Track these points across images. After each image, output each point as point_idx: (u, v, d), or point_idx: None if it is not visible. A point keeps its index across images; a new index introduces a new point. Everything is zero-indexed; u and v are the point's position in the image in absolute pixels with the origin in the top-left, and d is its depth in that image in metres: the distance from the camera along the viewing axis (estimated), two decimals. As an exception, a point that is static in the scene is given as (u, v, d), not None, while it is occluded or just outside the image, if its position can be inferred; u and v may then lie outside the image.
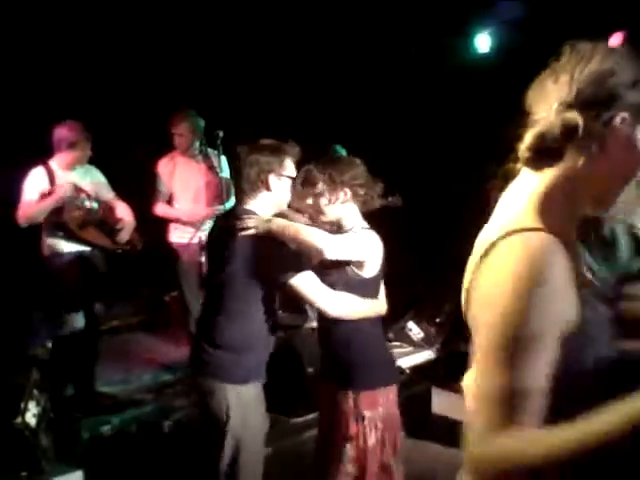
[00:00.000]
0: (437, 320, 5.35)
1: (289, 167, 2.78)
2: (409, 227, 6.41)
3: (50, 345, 4.76)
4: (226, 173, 4.85)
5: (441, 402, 4.46)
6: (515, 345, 1.15)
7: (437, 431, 4.19)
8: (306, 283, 2.63)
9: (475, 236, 1.36)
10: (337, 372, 2.80)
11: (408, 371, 4.74)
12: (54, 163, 4.40)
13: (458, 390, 1.43)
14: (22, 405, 3.48)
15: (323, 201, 2.73)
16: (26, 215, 4.22)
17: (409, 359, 5.03)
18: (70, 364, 4.45)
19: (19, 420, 3.42)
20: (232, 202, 4.86)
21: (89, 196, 4.47)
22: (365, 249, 2.72)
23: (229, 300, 2.68)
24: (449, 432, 4.11)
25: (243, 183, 2.72)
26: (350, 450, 2.72)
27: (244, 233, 2.60)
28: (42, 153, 4.43)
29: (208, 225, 4.92)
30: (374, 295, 2.83)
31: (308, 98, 6.77)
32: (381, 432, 2.72)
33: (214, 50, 6.25)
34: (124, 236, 4.64)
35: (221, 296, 2.69)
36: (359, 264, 2.72)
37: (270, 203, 2.76)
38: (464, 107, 6.36)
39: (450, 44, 6.72)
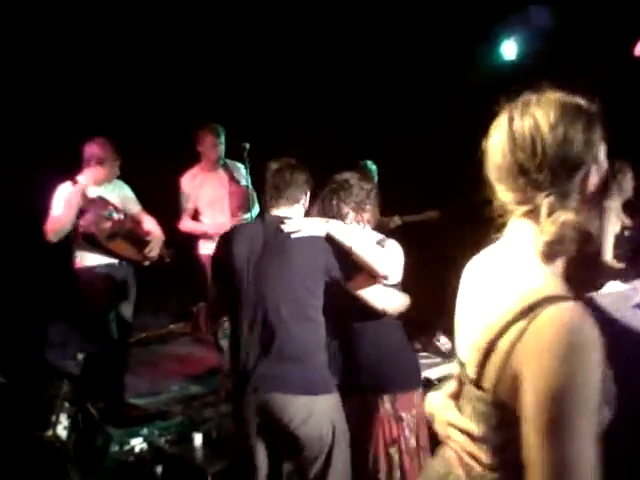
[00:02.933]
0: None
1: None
2: (443, 240, 6.37)
3: (80, 357, 4.81)
4: (248, 182, 4.86)
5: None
6: (579, 418, 1.14)
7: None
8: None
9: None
10: (367, 379, 2.75)
11: (437, 382, 4.59)
12: (82, 178, 4.43)
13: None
14: (53, 418, 3.51)
15: (355, 226, 2.78)
16: (54, 229, 4.26)
17: (437, 370, 4.91)
18: (100, 376, 4.49)
19: (50, 433, 3.46)
20: (256, 210, 4.82)
21: (116, 208, 4.51)
22: (401, 255, 2.75)
23: (300, 307, 2.60)
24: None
25: (287, 192, 2.79)
26: (395, 454, 2.70)
27: (299, 234, 2.61)
28: (71, 168, 4.47)
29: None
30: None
31: (336, 109, 6.76)
32: (416, 434, 2.72)
33: (238, 62, 6.29)
34: (155, 251, 4.66)
35: (288, 303, 2.59)
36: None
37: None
38: (490, 115, 6.28)
39: (476, 51, 6.68)
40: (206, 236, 5.06)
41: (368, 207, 2.81)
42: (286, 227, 2.61)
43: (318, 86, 6.70)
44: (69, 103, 5.44)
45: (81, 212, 4.33)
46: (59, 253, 4.49)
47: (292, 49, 6.42)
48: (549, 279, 1.27)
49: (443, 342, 5.28)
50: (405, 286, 2.88)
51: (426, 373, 4.78)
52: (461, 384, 1.42)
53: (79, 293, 4.48)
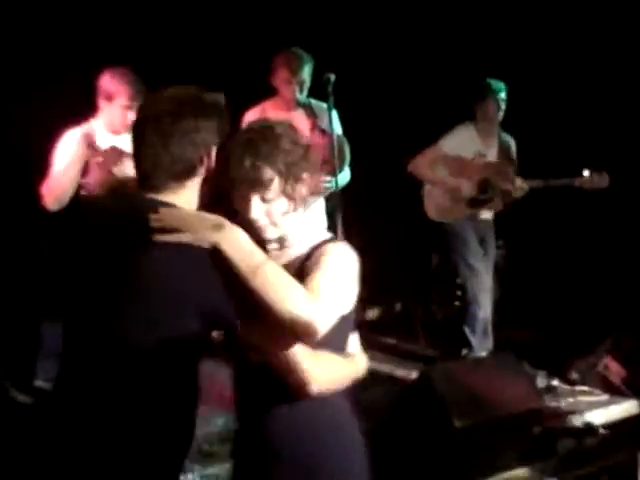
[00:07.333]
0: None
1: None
2: (617, 218, 5.06)
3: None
4: (338, 130, 3.91)
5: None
6: None
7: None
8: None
9: None
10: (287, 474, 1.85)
11: (603, 430, 3.68)
12: (97, 123, 3.47)
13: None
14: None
15: (281, 207, 1.82)
16: (54, 193, 3.35)
17: (604, 412, 4.00)
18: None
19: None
20: (347, 172, 4.02)
21: None
22: (352, 277, 1.81)
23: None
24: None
25: (162, 163, 1.75)
26: None
27: (166, 238, 1.62)
28: (85, 110, 3.54)
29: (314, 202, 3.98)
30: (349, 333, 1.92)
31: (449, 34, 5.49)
32: None
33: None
34: None
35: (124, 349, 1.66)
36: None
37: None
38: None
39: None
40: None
41: (305, 176, 1.84)
42: (153, 221, 1.71)
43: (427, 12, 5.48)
44: (89, 23, 4.41)
45: (86, 168, 3.38)
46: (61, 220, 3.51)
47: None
48: None
49: (614, 371, 4.15)
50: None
51: (587, 416, 3.90)
52: None
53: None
